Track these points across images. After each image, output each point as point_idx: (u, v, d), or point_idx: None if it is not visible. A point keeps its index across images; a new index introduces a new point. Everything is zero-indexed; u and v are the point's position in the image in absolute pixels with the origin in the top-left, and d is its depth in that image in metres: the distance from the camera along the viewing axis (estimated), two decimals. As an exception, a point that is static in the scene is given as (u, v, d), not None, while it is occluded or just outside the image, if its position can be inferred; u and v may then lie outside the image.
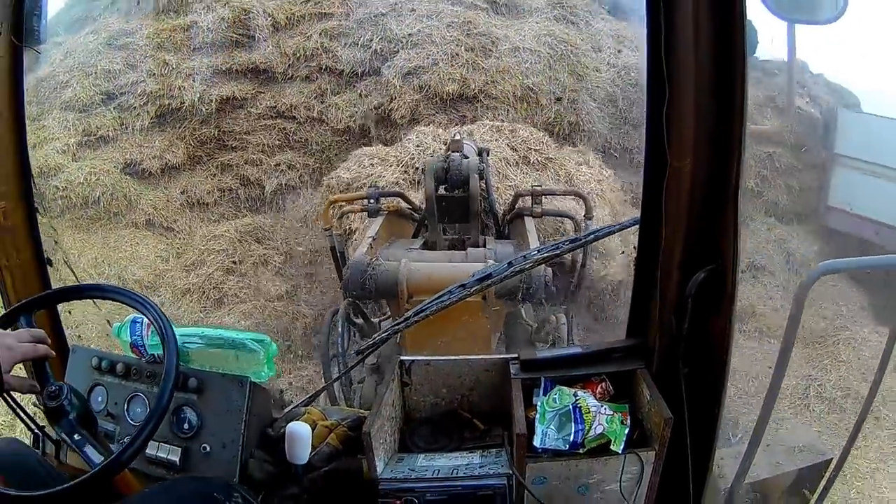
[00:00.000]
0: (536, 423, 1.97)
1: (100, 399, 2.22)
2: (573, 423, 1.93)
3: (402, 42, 9.48)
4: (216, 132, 9.41)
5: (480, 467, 1.98)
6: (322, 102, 9.51)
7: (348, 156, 8.12)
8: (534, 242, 4.20)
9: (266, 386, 2.23)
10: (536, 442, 1.93)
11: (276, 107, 9.52)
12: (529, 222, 4.61)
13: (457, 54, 9.28)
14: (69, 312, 2.74)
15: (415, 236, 5.11)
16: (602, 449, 1.92)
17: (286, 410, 2.30)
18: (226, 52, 9.60)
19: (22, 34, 2.35)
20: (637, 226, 2.02)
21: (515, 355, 2.18)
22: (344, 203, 5.40)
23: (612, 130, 9.35)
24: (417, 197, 5.95)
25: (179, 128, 9.24)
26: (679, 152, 1.75)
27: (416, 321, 2.33)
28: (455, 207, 4.59)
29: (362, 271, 3.60)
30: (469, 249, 4.19)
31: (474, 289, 2.30)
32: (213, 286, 7.53)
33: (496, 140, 7.77)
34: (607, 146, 9.28)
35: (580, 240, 2.66)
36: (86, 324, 4.68)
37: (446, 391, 2.25)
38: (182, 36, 9.67)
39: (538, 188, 4.97)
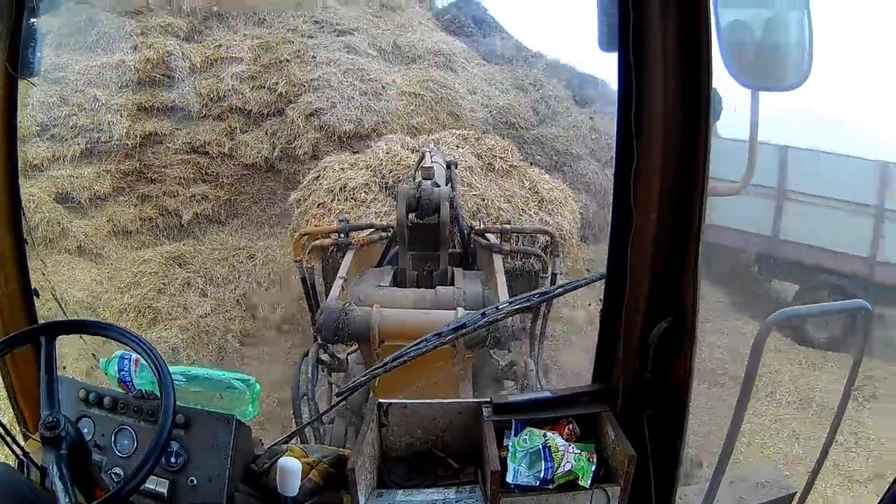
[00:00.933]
0: (508, 462, 2.17)
1: (87, 430, 2.35)
2: (543, 461, 2.15)
3: (304, 86, 11.46)
4: (138, 165, 10.80)
5: (457, 502, 2.19)
6: (232, 139, 11.21)
7: (316, 164, 9.44)
8: (501, 282, 4.45)
9: (249, 424, 2.42)
10: (509, 478, 2.14)
11: (191, 143, 11.09)
12: (498, 260, 4.86)
13: (352, 97, 11.29)
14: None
15: (383, 259, 5.38)
16: (570, 485, 2.13)
17: (268, 447, 2.47)
18: (149, 90, 11.07)
19: (17, 65, 2.49)
20: (602, 280, 2.23)
21: (488, 399, 2.37)
22: (315, 236, 5.51)
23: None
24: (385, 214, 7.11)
25: (106, 160, 10.50)
26: (644, 210, 1.96)
27: (395, 366, 2.54)
28: (425, 234, 4.79)
29: (336, 317, 3.84)
30: (438, 288, 4.44)
31: (449, 337, 2.54)
32: (147, 305, 8.62)
33: (461, 147, 8.79)
34: None
35: (550, 292, 2.88)
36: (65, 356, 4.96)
37: (421, 432, 2.43)
38: (111, 73, 10.95)
39: (507, 226, 5.38)
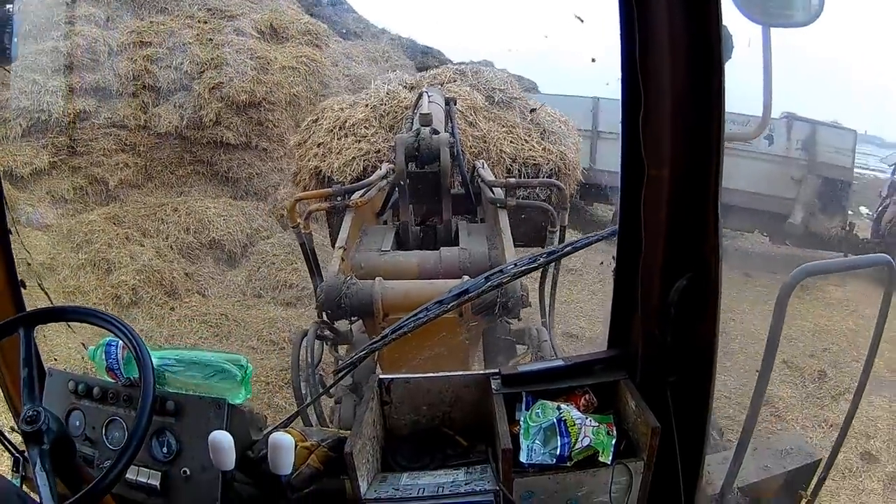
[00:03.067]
0: (521, 439, 2.27)
1: (77, 423, 2.54)
2: (559, 437, 2.23)
3: (206, 64, 14.37)
4: (69, 140, 13.18)
5: (466, 484, 2.30)
6: (146, 113, 13.89)
7: (315, 108, 12.14)
8: (507, 240, 4.60)
9: (244, 408, 2.57)
10: (522, 457, 2.24)
11: (111, 118, 13.73)
12: (503, 217, 4.99)
13: (245, 72, 14.40)
14: (44, 336, 2.99)
15: (384, 207, 5.83)
16: (589, 461, 2.23)
17: (265, 432, 2.59)
18: (77, 73, 13.62)
19: None
20: (615, 236, 2.31)
21: (496, 371, 2.48)
22: (310, 200, 5.87)
23: None
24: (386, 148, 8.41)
25: (43, 137, 12.57)
26: (657, 161, 2.02)
27: (394, 339, 2.65)
28: (426, 183, 5.11)
29: (337, 292, 4.07)
30: (442, 250, 4.69)
31: (451, 305, 2.63)
32: (101, 258, 10.84)
33: (458, 82, 10.30)
34: None
35: (557, 252, 2.96)
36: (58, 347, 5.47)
37: (426, 408, 2.57)
38: (46, 59, 13.44)
39: (511, 180, 5.69)
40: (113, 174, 13.34)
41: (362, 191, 5.49)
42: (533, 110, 9.83)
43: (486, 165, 6.96)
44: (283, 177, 14.58)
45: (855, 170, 15.74)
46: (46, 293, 3.37)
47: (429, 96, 6.79)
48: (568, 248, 2.93)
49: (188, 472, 2.41)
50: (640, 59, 1.96)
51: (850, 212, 15.68)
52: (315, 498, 2.39)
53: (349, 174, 9.40)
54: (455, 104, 7.25)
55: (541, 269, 4.99)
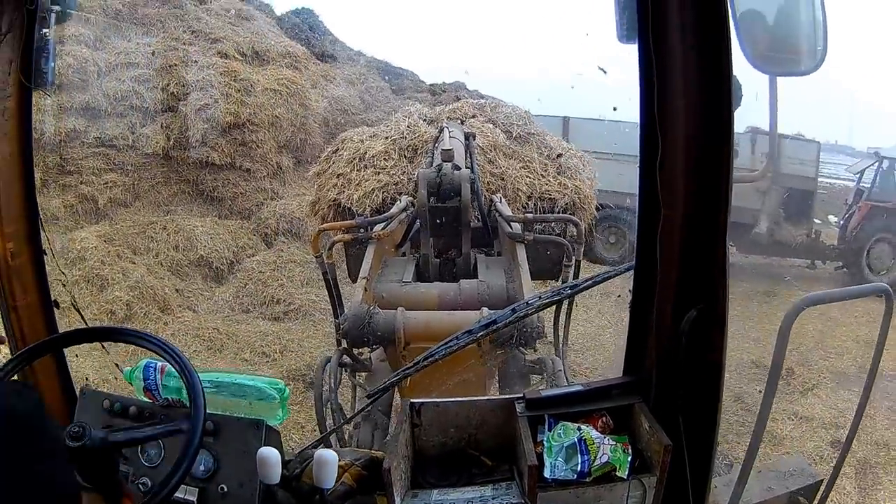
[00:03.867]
0: (545, 457, 2.39)
1: None
2: (579, 455, 2.36)
3: (192, 86, 15.07)
4: (59, 159, 13.82)
5: (493, 499, 2.42)
6: (133, 133, 14.60)
7: (332, 140, 12.07)
8: (525, 275, 4.73)
9: (279, 428, 2.67)
10: (546, 473, 2.35)
11: (100, 137, 14.31)
12: (521, 251, 5.11)
13: (229, 94, 15.23)
14: (76, 355, 3.08)
15: (405, 238, 5.92)
16: (607, 477, 2.36)
17: (299, 451, 2.68)
18: (68, 92, 14.09)
19: (31, 75, 2.70)
20: (631, 271, 2.45)
21: (521, 395, 2.59)
22: (334, 232, 5.90)
23: (326, 142, 14.55)
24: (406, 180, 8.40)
25: (35, 156, 11.38)
26: (671, 202, 2.16)
27: (426, 365, 2.81)
28: (447, 217, 5.20)
29: (360, 321, 4.18)
30: (462, 283, 4.78)
31: (480, 335, 2.79)
32: (95, 275, 11.39)
33: (477, 117, 10.37)
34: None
35: (580, 286, 3.11)
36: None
37: (454, 431, 2.67)
38: None
39: (529, 215, 5.87)
40: (102, 193, 13.86)
41: (384, 223, 5.56)
42: (559, 155, 9.81)
43: (503, 200, 7.04)
44: (266, 196, 15.38)
45: (825, 179, 16.31)
46: (80, 313, 3.41)
47: (449, 131, 7.07)
48: (589, 283, 3.07)
49: (225, 489, 2.49)
50: (658, 109, 2.09)
51: (817, 220, 16.14)
52: (350, 512, 2.56)
53: (368, 206, 9.37)
54: (474, 139, 7.44)
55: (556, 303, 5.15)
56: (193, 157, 14.80)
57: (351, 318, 4.30)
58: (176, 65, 15.44)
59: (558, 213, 9.17)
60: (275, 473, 2.35)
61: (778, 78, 2.47)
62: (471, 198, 5.33)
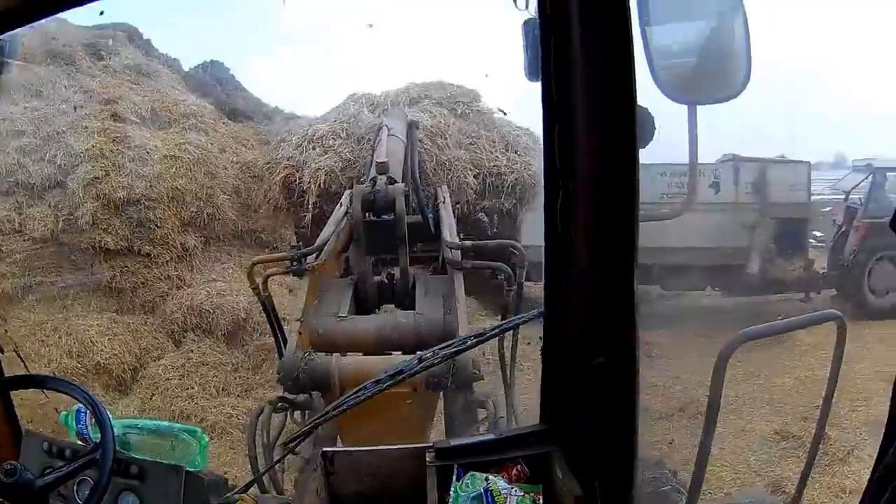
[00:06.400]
0: None
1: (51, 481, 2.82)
2: None
3: (80, 156, 14.59)
4: None
5: None
6: (20, 214, 14.10)
7: (285, 130, 14.20)
8: (462, 306, 5.17)
9: (202, 474, 2.98)
10: None
11: None
12: (459, 278, 5.56)
13: (122, 165, 14.66)
14: (21, 399, 3.59)
15: (346, 270, 6.40)
16: None
17: (222, 498, 3.02)
18: None
19: None
20: (541, 317, 2.64)
21: (431, 444, 2.82)
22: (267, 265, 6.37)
23: (239, 217, 15.82)
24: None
25: None
26: (576, 244, 2.33)
27: (335, 416, 3.11)
28: (382, 233, 5.67)
29: (295, 368, 4.63)
30: (398, 315, 5.33)
31: (387, 384, 3.05)
32: None
33: (423, 100, 12.02)
34: (236, 231, 15.87)
35: (485, 334, 3.36)
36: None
37: (368, 479, 2.92)
38: None
39: (467, 242, 6.06)
40: (-17, 288, 12.23)
41: (316, 253, 5.98)
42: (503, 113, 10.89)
43: (447, 195, 7.58)
44: (171, 284, 14.54)
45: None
46: (22, 360, 3.94)
47: (388, 129, 7.65)
48: (496, 331, 3.38)
49: None
50: (559, 150, 2.30)
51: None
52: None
53: (319, 183, 10.89)
54: (417, 128, 8.24)
55: (499, 339, 5.58)
56: (86, 241, 14.13)
57: (286, 365, 4.70)
58: (64, 131, 14.95)
59: (507, 190, 10.36)
60: None
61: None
62: (410, 193, 5.92)
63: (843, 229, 16.74)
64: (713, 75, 2.51)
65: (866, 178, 16.80)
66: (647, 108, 2.23)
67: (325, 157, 11.60)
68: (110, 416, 2.86)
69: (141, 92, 16.74)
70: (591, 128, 2.23)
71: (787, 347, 12.20)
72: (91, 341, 12.79)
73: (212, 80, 20.23)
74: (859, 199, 16.83)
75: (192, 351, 13.41)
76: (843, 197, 17.69)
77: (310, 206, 12.04)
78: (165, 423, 3.16)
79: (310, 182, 11.31)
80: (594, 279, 2.36)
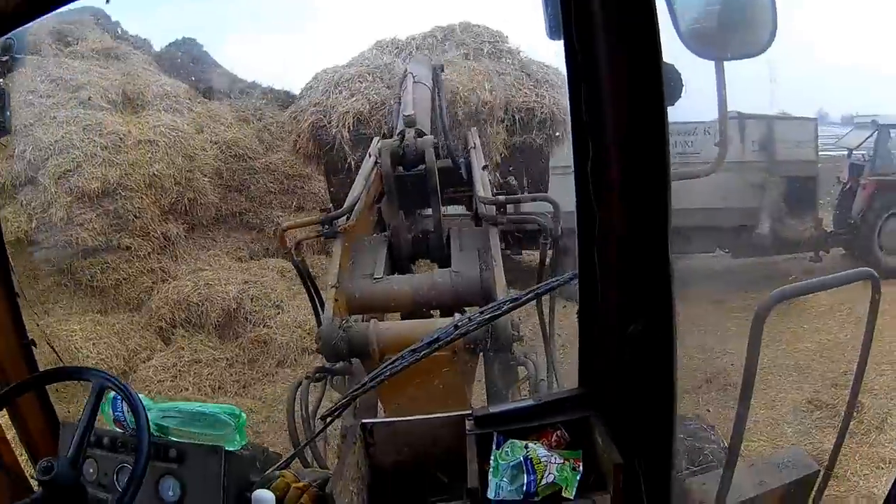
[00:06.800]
0: (490, 476, 2.57)
1: (91, 470, 3.00)
2: (525, 475, 2.55)
3: (50, 149, 14.23)
4: None
5: None
6: None
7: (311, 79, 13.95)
8: (499, 265, 5.23)
9: (242, 452, 3.03)
10: (490, 494, 2.53)
11: None
12: (494, 235, 5.57)
13: (95, 154, 14.35)
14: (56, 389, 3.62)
15: (378, 223, 6.52)
16: (555, 497, 2.55)
17: (263, 474, 3.05)
18: None
19: None
20: (576, 279, 2.60)
21: (470, 412, 2.85)
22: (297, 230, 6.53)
23: (221, 200, 15.87)
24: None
25: None
26: (606, 205, 2.30)
27: (373, 387, 3.12)
28: (414, 186, 5.81)
29: (333, 337, 4.71)
30: (435, 275, 5.41)
31: (424, 353, 3.09)
32: None
33: (447, 41, 12.50)
34: (220, 214, 15.88)
35: (520, 298, 3.36)
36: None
37: (408, 449, 2.95)
38: None
39: (501, 196, 6.10)
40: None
41: (347, 214, 5.97)
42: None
43: (477, 139, 7.73)
44: (154, 278, 14.21)
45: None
46: (56, 352, 3.88)
47: (413, 77, 7.80)
48: (531, 295, 3.38)
49: None
50: (586, 108, 2.27)
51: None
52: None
53: (348, 126, 10.99)
54: (443, 70, 8.39)
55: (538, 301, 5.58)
56: (62, 239, 13.80)
57: (324, 335, 4.78)
58: (32, 124, 14.56)
59: (537, 124, 10.59)
60: None
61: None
62: (440, 142, 6.01)
63: (848, 186, 16.67)
64: (739, 30, 2.52)
65: (871, 134, 16.56)
66: (673, 65, 2.19)
67: (353, 99, 11.62)
68: (143, 401, 2.96)
69: (110, 76, 16.44)
70: (618, 87, 2.18)
71: (803, 309, 12.09)
72: (75, 348, 12.29)
73: (185, 59, 19.81)
74: (863, 155, 16.77)
75: (183, 348, 13.08)
76: (845, 153, 17.70)
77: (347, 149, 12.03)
78: (202, 405, 3.22)
79: (339, 126, 11.30)
80: (626, 239, 2.35)
